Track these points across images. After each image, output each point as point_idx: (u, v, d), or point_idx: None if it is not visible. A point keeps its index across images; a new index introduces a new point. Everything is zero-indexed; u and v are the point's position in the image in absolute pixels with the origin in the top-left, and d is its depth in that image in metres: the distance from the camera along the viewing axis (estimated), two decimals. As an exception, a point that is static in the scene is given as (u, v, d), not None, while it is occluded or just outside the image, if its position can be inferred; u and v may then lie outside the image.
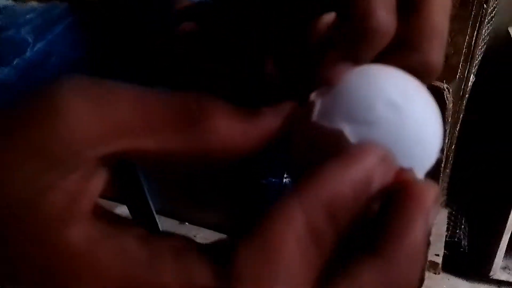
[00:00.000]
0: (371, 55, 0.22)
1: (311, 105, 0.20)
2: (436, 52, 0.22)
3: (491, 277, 1.25)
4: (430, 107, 0.20)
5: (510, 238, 1.17)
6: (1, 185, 0.17)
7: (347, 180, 0.17)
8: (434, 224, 0.18)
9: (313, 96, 0.21)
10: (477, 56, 0.79)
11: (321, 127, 0.19)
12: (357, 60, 0.21)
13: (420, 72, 0.22)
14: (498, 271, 1.24)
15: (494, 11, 0.98)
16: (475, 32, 0.72)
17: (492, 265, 1.23)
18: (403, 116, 0.19)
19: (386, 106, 0.19)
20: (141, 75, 0.43)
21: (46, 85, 0.18)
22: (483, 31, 0.74)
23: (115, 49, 0.46)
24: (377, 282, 0.17)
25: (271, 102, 0.22)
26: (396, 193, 0.18)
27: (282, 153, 0.22)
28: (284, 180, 0.53)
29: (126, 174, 1.00)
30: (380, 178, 0.18)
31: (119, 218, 0.19)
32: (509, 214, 1.12)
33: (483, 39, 0.81)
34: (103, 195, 0.19)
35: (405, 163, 0.19)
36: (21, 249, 0.16)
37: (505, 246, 1.19)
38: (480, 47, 0.77)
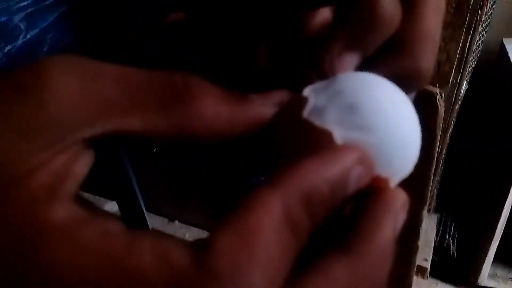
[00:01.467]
0: (376, 45, 0.21)
1: (304, 100, 0.21)
2: (427, 57, 0.22)
3: (478, 284, 1.25)
4: (414, 121, 0.21)
5: (498, 245, 1.18)
6: None
7: (325, 176, 0.17)
8: (401, 228, 0.20)
9: (306, 91, 0.21)
10: (470, 63, 0.79)
11: (311, 125, 0.20)
12: (363, 50, 0.21)
13: (410, 77, 0.22)
14: (485, 279, 1.25)
15: (489, 20, 0.99)
16: (469, 38, 0.72)
17: (480, 272, 1.23)
18: (390, 126, 0.20)
19: (377, 115, 0.20)
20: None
21: (34, 62, 0.18)
22: (477, 38, 0.74)
23: (108, 40, 0.45)
24: (347, 277, 0.17)
25: (263, 91, 0.22)
26: (370, 196, 0.19)
27: (268, 146, 0.22)
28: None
29: (116, 170, 1.00)
30: (357, 179, 0.18)
31: (96, 207, 0.19)
32: (498, 221, 1.12)
33: (477, 47, 0.81)
34: (91, 189, 0.19)
35: (383, 171, 0.20)
36: (2, 228, 0.16)
37: (494, 254, 1.20)
38: (473, 54, 0.78)
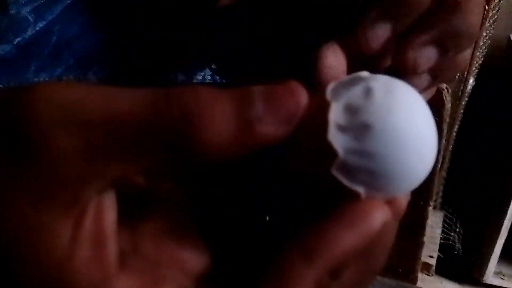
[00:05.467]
0: (408, 19, 0.21)
1: (326, 121, 0.18)
2: (475, 12, 0.21)
3: (483, 282, 1.25)
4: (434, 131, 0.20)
5: (504, 243, 1.17)
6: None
7: (356, 245, 0.17)
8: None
9: (329, 95, 0.18)
10: (477, 59, 0.79)
11: (338, 180, 0.18)
12: (397, 23, 0.21)
13: (461, 34, 0.21)
14: (491, 276, 1.24)
15: (496, 16, 0.98)
16: (476, 33, 0.72)
17: (486, 269, 1.22)
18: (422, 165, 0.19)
19: (410, 178, 0.19)
20: (145, 57, 0.43)
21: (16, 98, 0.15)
22: (484, 33, 0.74)
23: (116, 29, 0.46)
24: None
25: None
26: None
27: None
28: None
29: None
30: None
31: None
32: (504, 218, 1.12)
33: (484, 43, 0.81)
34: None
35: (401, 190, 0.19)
36: None
37: (499, 251, 1.19)
38: (480, 49, 0.77)
